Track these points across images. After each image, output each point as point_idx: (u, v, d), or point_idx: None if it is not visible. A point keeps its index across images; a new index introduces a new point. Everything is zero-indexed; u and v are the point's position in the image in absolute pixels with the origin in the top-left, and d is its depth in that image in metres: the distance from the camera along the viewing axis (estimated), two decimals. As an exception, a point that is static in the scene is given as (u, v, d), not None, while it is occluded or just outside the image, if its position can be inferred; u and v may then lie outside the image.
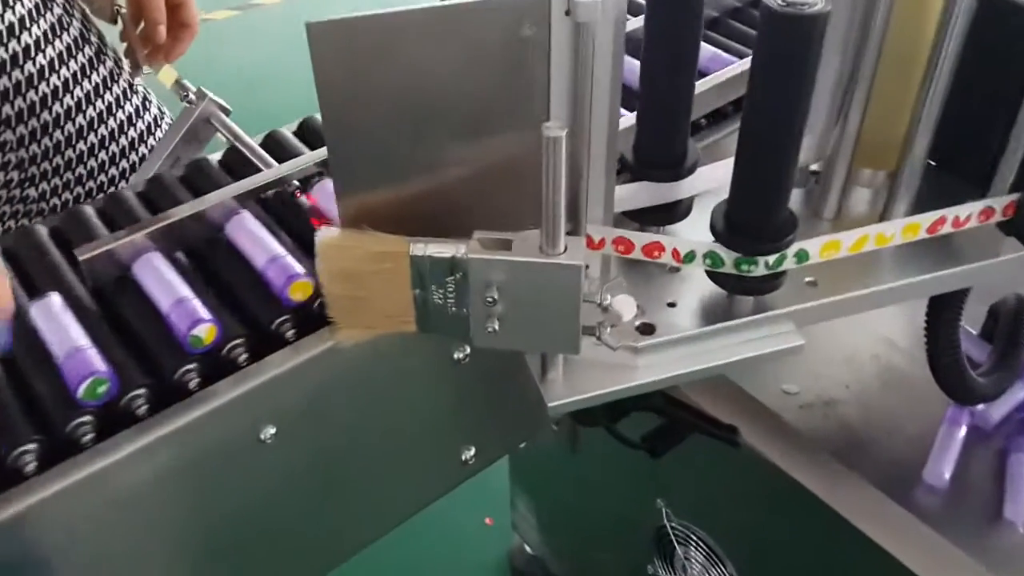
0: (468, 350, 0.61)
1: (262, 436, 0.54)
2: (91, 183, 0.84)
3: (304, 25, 0.45)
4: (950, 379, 0.70)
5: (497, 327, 0.52)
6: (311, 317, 0.56)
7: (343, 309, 0.53)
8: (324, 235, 0.52)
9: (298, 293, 0.56)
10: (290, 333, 0.55)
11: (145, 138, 0.87)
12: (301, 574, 0.63)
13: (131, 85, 0.86)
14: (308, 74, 0.47)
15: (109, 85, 0.83)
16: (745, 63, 0.75)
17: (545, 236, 0.49)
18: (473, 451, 0.67)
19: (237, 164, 0.67)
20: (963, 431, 0.75)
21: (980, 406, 0.76)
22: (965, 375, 0.69)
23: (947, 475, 0.73)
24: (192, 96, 0.67)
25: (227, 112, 0.68)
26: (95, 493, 0.49)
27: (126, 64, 0.85)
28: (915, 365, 0.82)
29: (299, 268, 0.56)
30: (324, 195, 0.63)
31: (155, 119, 0.88)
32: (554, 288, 0.50)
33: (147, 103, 0.88)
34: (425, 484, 0.68)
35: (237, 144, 0.66)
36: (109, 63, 0.84)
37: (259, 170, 0.64)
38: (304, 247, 0.60)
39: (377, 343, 0.55)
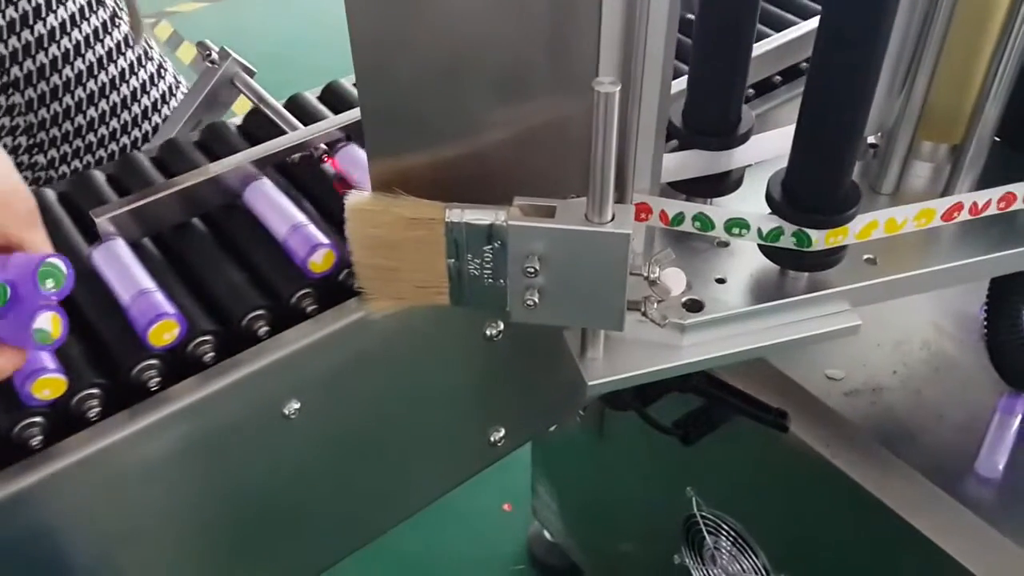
0: (501, 327, 0.58)
1: (286, 411, 0.51)
2: (101, 151, 0.81)
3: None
4: (1011, 364, 0.66)
5: (536, 300, 0.48)
6: (334, 289, 0.53)
7: (373, 279, 0.50)
8: (354, 199, 0.48)
9: (321, 264, 0.53)
10: (311, 307, 0.52)
11: (159, 107, 0.84)
12: (322, 555, 0.61)
13: (146, 52, 0.83)
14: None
15: (123, 51, 0.80)
16: (799, 28, 0.72)
17: (592, 202, 0.45)
18: (503, 432, 0.64)
19: (258, 128, 0.64)
20: (1017, 420, 0.72)
21: (1034, 395, 0.73)
22: (1027, 362, 0.66)
23: (1001, 465, 0.70)
24: (215, 56, 0.64)
25: (251, 73, 0.65)
26: (116, 465, 0.46)
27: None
28: (965, 351, 0.78)
29: (322, 237, 0.53)
30: (348, 161, 0.60)
31: (170, 88, 0.85)
32: (599, 259, 0.47)
33: (162, 71, 0.85)
34: (452, 465, 0.65)
35: (261, 106, 0.63)
36: (124, 27, 0.80)
37: (282, 133, 0.60)
38: (328, 216, 0.57)
39: (407, 316, 0.52)
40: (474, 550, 1.48)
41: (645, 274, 0.48)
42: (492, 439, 0.64)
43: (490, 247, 0.48)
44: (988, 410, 0.73)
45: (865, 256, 0.56)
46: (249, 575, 0.57)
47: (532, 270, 0.47)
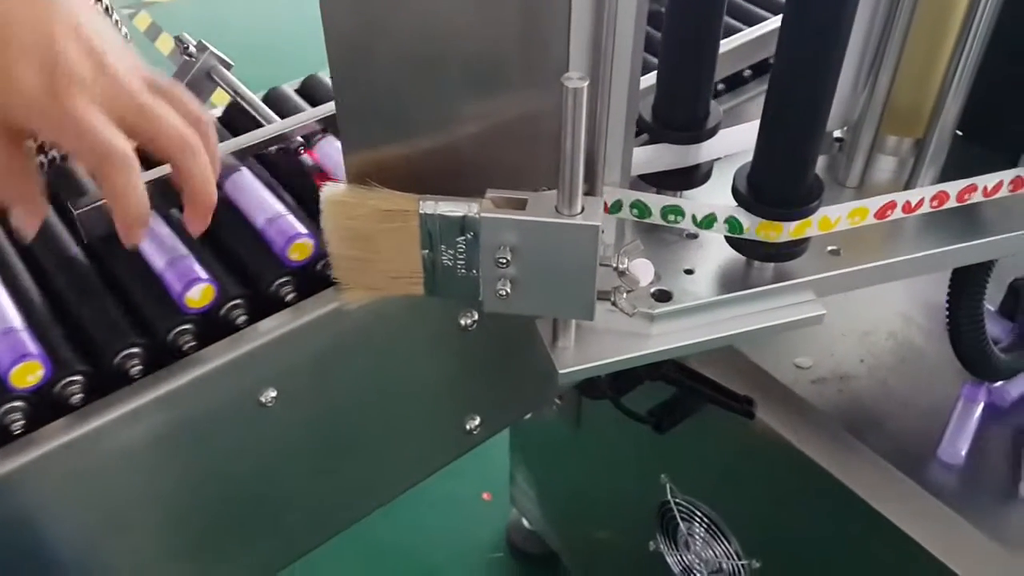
0: (475, 316, 0.59)
1: (262, 399, 0.52)
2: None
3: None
4: (972, 354, 0.68)
5: (508, 291, 0.49)
6: (312, 278, 0.54)
7: (348, 269, 0.51)
8: (330, 191, 0.49)
9: (297, 253, 0.54)
10: (290, 296, 0.53)
11: None
12: (298, 541, 0.61)
13: None
14: (313, 39, 0.45)
15: None
16: (770, 24, 0.73)
17: (562, 195, 0.47)
18: (478, 420, 0.65)
19: (238, 120, 0.65)
20: (980, 408, 0.74)
21: (997, 383, 0.75)
22: (988, 350, 0.68)
23: (963, 452, 0.72)
24: (192, 49, 0.65)
25: (228, 66, 0.65)
26: (89, 454, 0.47)
27: None
28: (931, 341, 0.80)
29: (300, 228, 0.54)
30: (326, 154, 0.61)
31: None
32: (570, 250, 0.48)
33: None
34: (428, 453, 0.66)
35: (238, 99, 0.64)
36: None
37: (260, 126, 0.61)
38: (306, 206, 0.58)
39: (382, 306, 0.53)
40: (453, 538, 1.49)
41: (614, 265, 0.50)
42: (468, 427, 0.65)
43: (463, 238, 0.49)
44: (952, 398, 0.75)
45: (829, 247, 0.57)
46: (224, 561, 0.58)
47: (504, 261, 0.48)
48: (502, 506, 1.46)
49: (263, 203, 0.56)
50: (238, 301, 0.52)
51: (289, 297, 0.53)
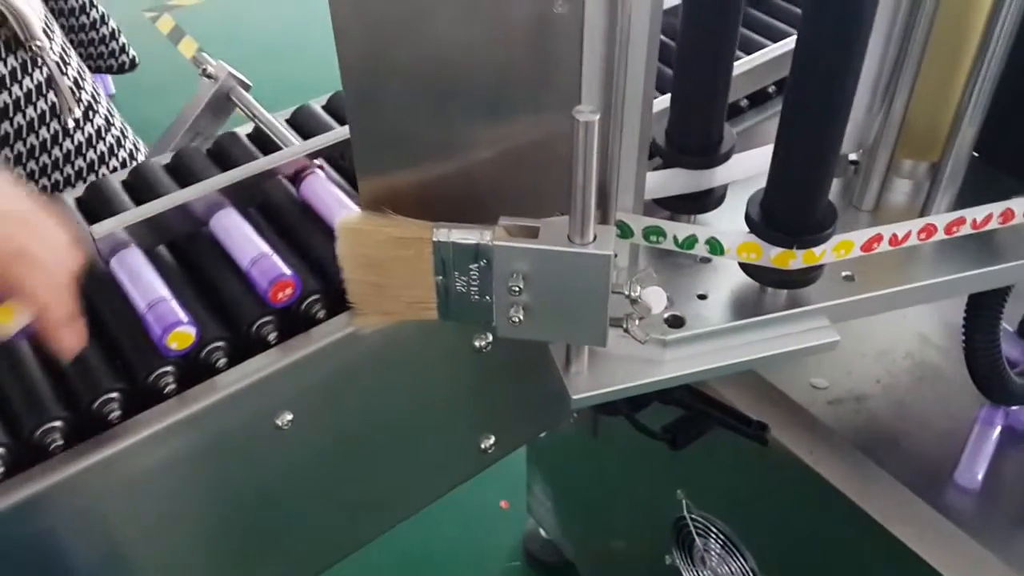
0: (489, 338, 0.60)
1: (279, 422, 0.52)
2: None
3: (327, -2, 0.43)
4: (988, 379, 0.67)
5: (521, 317, 0.50)
6: (295, 319, 0.54)
7: (363, 295, 0.52)
8: (345, 219, 0.50)
9: (280, 295, 0.53)
10: (272, 336, 0.53)
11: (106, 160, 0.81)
12: (317, 559, 0.62)
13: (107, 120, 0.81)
14: (328, 46, 0.45)
15: (82, 124, 0.77)
16: (786, 43, 0.73)
17: (574, 224, 0.47)
18: (492, 440, 0.66)
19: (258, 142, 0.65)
20: (997, 432, 0.73)
21: (1014, 407, 0.74)
22: (1004, 375, 0.67)
23: (980, 476, 0.71)
24: (211, 69, 0.66)
25: (247, 87, 0.66)
26: (114, 475, 0.48)
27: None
28: (948, 362, 0.79)
29: (284, 268, 0.53)
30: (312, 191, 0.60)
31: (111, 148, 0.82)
32: (582, 278, 0.48)
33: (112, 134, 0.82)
34: (443, 472, 0.66)
35: (256, 121, 0.64)
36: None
37: (278, 148, 0.62)
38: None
39: (397, 330, 0.53)
40: (471, 545, 1.50)
41: (627, 293, 0.50)
42: (483, 446, 0.66)
43: (476, 265, 0.49)
44: (969, 420, 0.74)
45: (844, 273, 0.57)
46: (245, 578, 0.59)
47: (517, 288, 0.48)
48: (520, 514, 1.46)
49: (247, 243, 0.55)
50: (219, 344, 0.52)
51: (271, 337, 0.53)
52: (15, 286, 0.44)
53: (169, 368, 0.50)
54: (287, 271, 0.53)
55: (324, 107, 0.70)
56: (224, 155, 0.64)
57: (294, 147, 0.61)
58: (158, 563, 0.54)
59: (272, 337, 0.52)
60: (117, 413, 0.48)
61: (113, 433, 0.48)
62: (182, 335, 0.50)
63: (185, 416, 0.49)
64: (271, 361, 0.51)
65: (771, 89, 0.75)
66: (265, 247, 0.54)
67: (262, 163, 0.59)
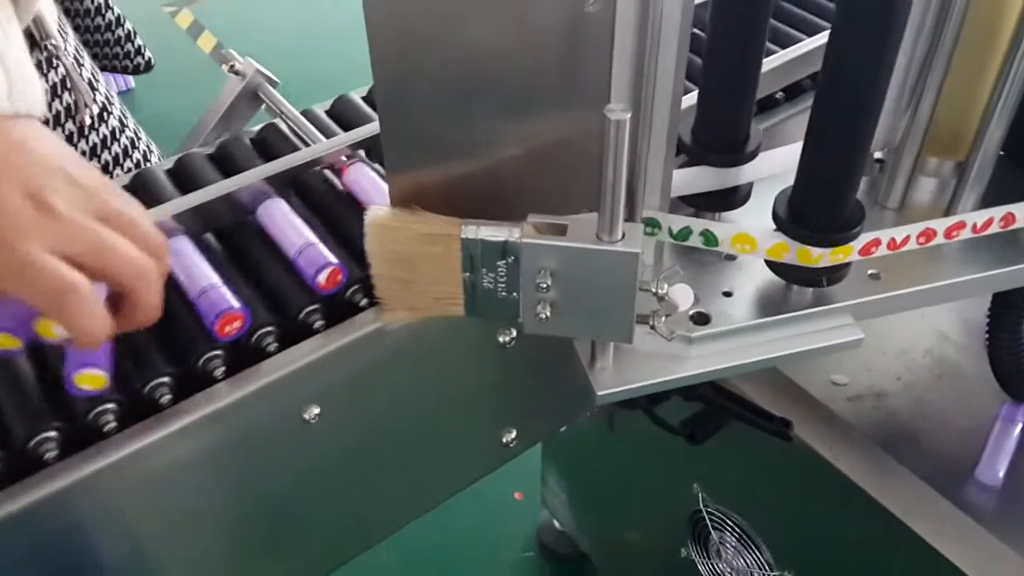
0: (514, 333, 0.60)
1: (306, 416, 0.53)
2: None
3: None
4: (1012, 376, 0.68)
5: (548, 313, 0.50)
6: (342, 305, 0.55)
7: (391, 290, 0.52)
8: (374, 215, 0.50)
9: (329, 282, 0.54)
10: (319, 323, 0.54)
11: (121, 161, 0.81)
12: (340, 551, 0.63)
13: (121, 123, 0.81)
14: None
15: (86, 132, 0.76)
16: (816, 40, 0.72)
17: (602, 222, 0.47)
18: (515, 434, 0.66)
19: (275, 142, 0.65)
20: (1018, 429, 0.73)
21: (1036, 403, 0.74)
22: (1027, 373, 0.67)
23: (1001, 473, 0.71)
24: (237, 66, 0.66)
25: (275, 84, 0.66)
26: (141, 470, 0.48)
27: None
28: (968, 359, 0.79)
29: (330, 257, 0.54)
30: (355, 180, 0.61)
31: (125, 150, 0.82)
32: (610, 276, 0.48)
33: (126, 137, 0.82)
34: (465, 465, 0.67)
35: (282, 118, 0.65)
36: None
37: (305, 145, 0.62)
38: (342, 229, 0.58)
39: (424, 325, 0.54)
40: (485, 536, 1.51)
41: (654, 290, 0.50)
42: (504, 440, 0.66)
43: (504, 262, 0.49)
44: (990, 417, 0.74)
45: (869, 271, 0.57)
46: (270, 570, 0.60)
47: (544, 285, 0.49)
48: (533, 505, 1.47)
49: (294, 232, 0.56)
50: (269, 328, 0.53)
51: (318, 325, 0.53)
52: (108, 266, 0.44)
53: (219, 352, 0.51)
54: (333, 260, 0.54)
55: (364, 98, 0.70)
56: (267, 146, 0.65)
57: (338, 137, 0.61)
58: (178, 559, 0.54)
59: (319, 325, 0.53)
60: (169, 397, 0.50)
61: (142, 427, 0.48)
62: (232, 317, 0.51)
63: (215, 410, 0.50)
64: (300, 355, 0.52)
65: (807, 83, 0.75)
66: (312, 236, 0.55)
67: (306, 153, 0.60)
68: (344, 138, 0.62)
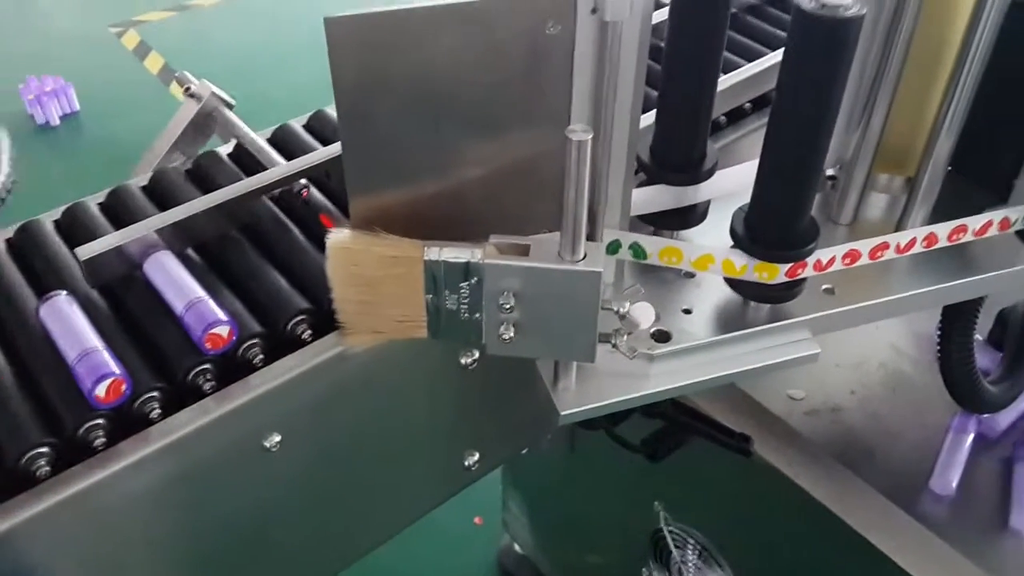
0: (476, 355, 0.60)
1: (267, 444, 0.52)
2: None
3: (323, 20, 0.43)
4: (963, 388, 0.69)
5: (512, 334, 0.50)
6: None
7: (353, 314, 0.52)
8: (335, 238, 0.50)
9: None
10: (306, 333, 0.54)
11: None
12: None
13: None
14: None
15: None
16: (766, 60, 0.74)
17: (565, 242, 0.47)
18: (477, 456, 0.66)
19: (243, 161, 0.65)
20: (970, 439, 0.75)
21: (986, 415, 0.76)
22: (978, 384, 0.69)
23: (954, 483, 0.72)
24: (195, 89, 0.65)
25: (230, 106, 0.66)
26: (99, 501, 0.47)
27: None
28: (921, 371, 0.81)
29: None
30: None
31: None
32: (572, 295, 0.49)
33: None
34: (428, 490, 0.66)
35: (239, 139, 0.64)
36: None
37: (264, 167, 0.62)
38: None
39: (386, 348, 0.53)
40: (445, 562, 1.49)
41: (615, 309, 0.50)
42: (467, 463, 0.66)
43: (467, 283, 0.49)
44: (942, 428, 0.76)
45: (824, 286, 0.58)
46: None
47: (508, 306, 0.49)
48: (494, 530, 1.46)
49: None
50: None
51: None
52: None
53: (207, 365, 0.51)
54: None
55: (305, 126, 0.69)
56: (205, 175, 0.64)
57: (279, 167, 0.61)
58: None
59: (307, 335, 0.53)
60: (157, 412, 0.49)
61: (101, 458, 0.47)
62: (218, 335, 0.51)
63: (173, 440, 0.49)
64: (260, 382, 0.51)
65: (747, 106, 0.76)
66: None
67: (248, 183, 0.59)
68: (287, 167, 0.61)
